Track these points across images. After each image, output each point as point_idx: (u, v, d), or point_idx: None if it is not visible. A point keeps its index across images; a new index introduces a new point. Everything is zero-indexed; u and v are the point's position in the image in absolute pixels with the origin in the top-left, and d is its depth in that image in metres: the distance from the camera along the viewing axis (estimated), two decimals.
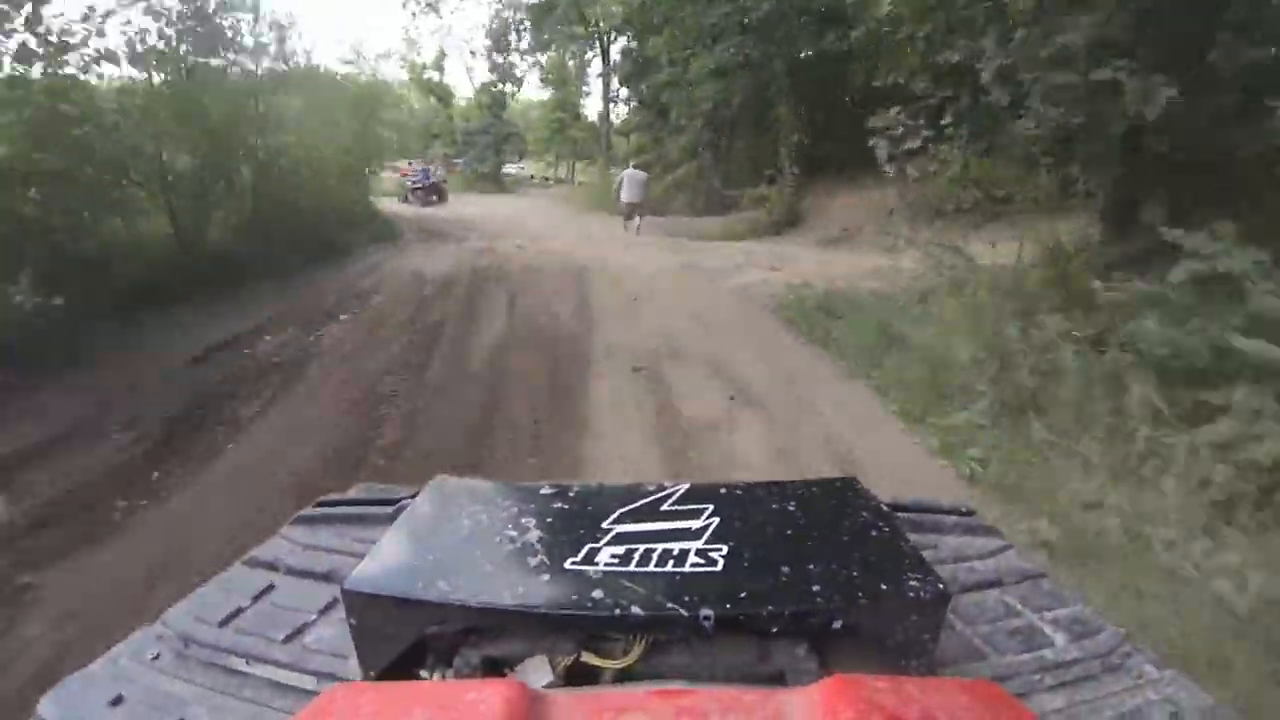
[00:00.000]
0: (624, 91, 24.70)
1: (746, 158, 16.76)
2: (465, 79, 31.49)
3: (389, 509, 0.98)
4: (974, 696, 0.53)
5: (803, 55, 14.37)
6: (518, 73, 31.34)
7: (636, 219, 14.25)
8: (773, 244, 12.94)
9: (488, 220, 17.04)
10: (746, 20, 14.42)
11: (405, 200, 20.58)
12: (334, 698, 0.54)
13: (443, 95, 33.12)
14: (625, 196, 14.23)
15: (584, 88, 31.72)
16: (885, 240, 9.21)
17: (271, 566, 0.92)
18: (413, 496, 0.92)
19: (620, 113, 26.79)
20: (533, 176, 36.01)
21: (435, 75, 32.48)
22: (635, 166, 15.18)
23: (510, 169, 34.89)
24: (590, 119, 31.07)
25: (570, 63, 30.48)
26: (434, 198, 21.53)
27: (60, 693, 0.71)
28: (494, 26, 30.31)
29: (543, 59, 30.58)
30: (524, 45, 30.20)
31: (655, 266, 10.22)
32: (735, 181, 16.42)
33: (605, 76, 26.43)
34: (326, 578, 0.88)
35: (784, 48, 14.15)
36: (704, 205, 16.93)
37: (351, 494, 1.15)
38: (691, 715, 0.49)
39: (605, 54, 26.26)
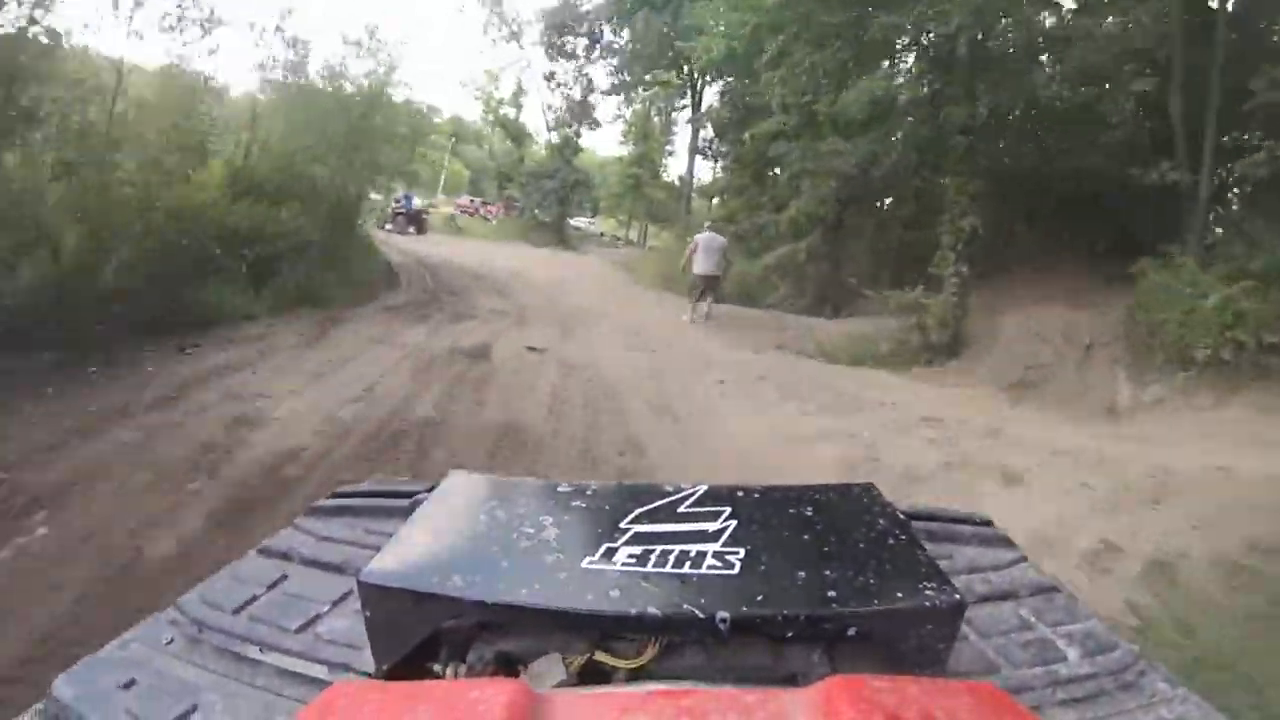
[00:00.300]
0: (714, 145, 21.12)
1: (883, 244, 11.98)
2: (543, 119, 27.71)
3: (404, 502, 0.97)
4: (975, 698, 0.52)
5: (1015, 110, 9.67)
6: (596, 115, 28.21)
7: (707, 302, 10.85)
8: (937, 385, 8.14)
9: (521, 283, 13.66)
10: (928, 38, 9.68)
11: (383, 227, 18.64)
12: (337, 696, 0.53)
13: (517, 135, 30.45)
14: (698, 268, 10.57)
15: (668, 145, 27.93)
16: (1091, 394, 7.23)
17: (285, 556, 0.92)
18: (428, 490, 0.92)
19: (708, 171, 22.95)
20: (602, 234, 32.68)
21: (512, 112, 29.92)
22: (712, 229, 11.16)
23: (579, 222, 31.38)
24: (672, 179, 27.57)
25: (655, 118, 26.67)
26: (411, 228, 20.94)
27: (74, 675, 0.72)
28: (571, 70, 27.27)
29: (625, 110, 27.23)
30: (605, 86, 27.11)
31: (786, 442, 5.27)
32: (866, 275, 11.52)
33: (694, 124, 22.42)
34: (340, 569, 0.88)
35: (999, 91, 9.39)
36: (812, 300, 12.30)
37: (366, 486, 1.15)
38: (693, 715, 0.49)
39: (696, 100, 22.27)
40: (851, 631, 0.65)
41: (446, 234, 23.90)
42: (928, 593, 0.67)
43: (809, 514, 0.82)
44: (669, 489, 0.83)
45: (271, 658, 0.75)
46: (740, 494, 0.84)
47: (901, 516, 0.84)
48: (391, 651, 0.68)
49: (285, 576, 0.88)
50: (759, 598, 0.65)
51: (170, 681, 0.71)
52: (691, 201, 22.52)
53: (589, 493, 0.84)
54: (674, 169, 27.59)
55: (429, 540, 0.76)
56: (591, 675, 0.65)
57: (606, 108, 27.81)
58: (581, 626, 0.65)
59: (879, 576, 0.70)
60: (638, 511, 0.78)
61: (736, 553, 0.71)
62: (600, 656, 0.65)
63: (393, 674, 0.68)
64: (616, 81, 26.46)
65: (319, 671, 0.73)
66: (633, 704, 0.50)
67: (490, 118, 29.77)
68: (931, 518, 1.03)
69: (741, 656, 0.66)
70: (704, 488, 0.83)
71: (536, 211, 27.10)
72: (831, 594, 0.66)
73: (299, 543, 0.95)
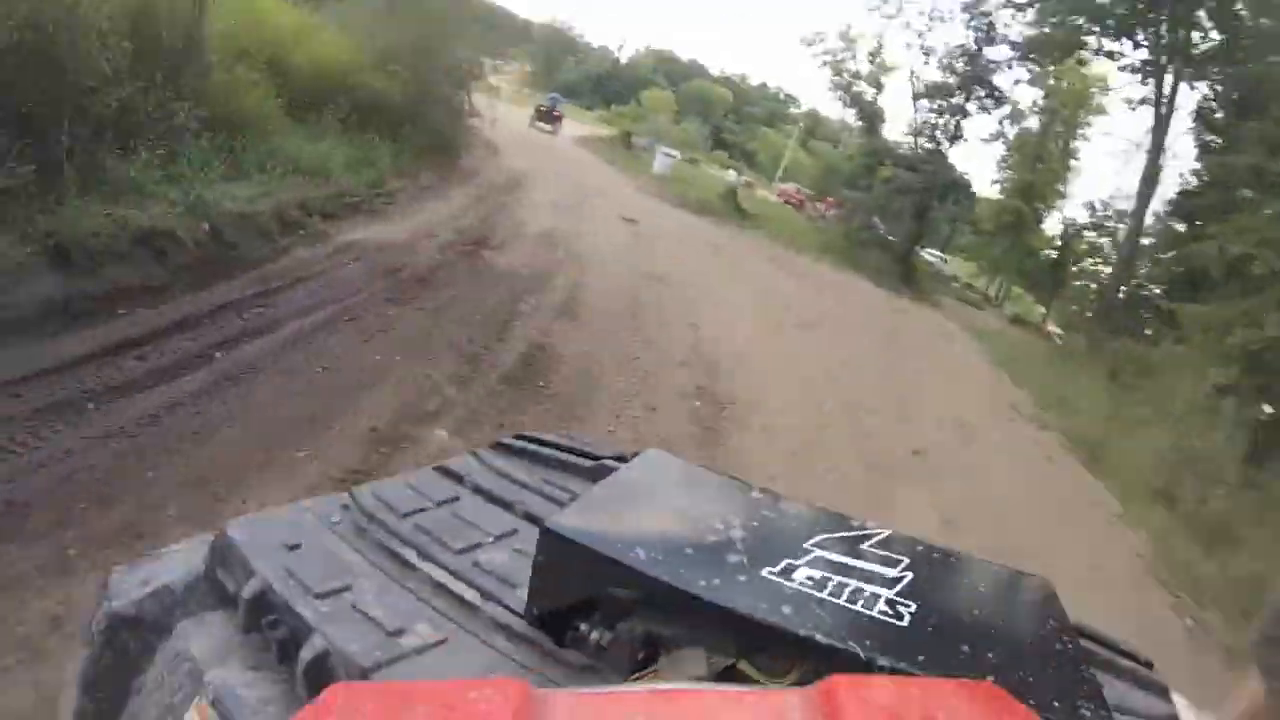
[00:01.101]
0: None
1: None
2: (910, 89, 22.34)
3: (589, 462, 1.03)
4: (976, 697, 0.51)
5: None
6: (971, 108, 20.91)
7: None
8: None
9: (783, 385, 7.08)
10: None
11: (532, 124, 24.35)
12: (334, 696, 0.51)
13: (869, 115, 23.63)
14: None
15: (1064, 178, 20.17)
16: None
17: (460, 480, 0.96)
18: (615, 457, 1.00)
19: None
20: (956, 279, 25.07)
21: (868, 92, 23.30)
22: None
23: (932, 256, 24.55)
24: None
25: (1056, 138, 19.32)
26: (546, 126, 25.50)
27: (248, 522, 0.80)
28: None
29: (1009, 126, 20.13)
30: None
31: None
32: None
33: (1155, 138, 15.01)
34: (511, 507, 0.91)
35: None
36: None
37: (553, 436, 1.17)
38: (693, 715, 0.47)
39: (1161, 100, 14.93)
40: None
41: (718, 218, 18.30)
42: (1083, 714, 0.63)
43: (983, 591, 0.81)
44: (855, 523, 0.84)
45: (428, 567, 0.78)
46: (920, 548, 0.83)
47: (1073, 627, 0.79)
48: (550, 600, 0.70)
49: (457, 498, 0.92)
50: (920, 658, 0.64)
51: (331, 556, 0.77)
52: (1135, 257, 15.01)
53: (780, 504, 0.85)
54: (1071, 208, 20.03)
55: (620, 506, 0.78)
56: (730, 680, 0.64)
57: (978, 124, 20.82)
58: (741, 631, 0.65)
59: (1038, 679, 0.66)
60: (822, 536, 0.78)
61: (909, 606, 0.69)
62: (744, 666, 0.65)
63: (541, 622, 0.71)
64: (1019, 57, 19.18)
65: (470, 595, 0.75)
66: (633, 704, 0.49)
67: (839, 93, 23.70)
68: (1095, 638, 1.00)
69: None
70: (889, 532, 0.83)
71: (876, 221, 20.87)
72: (990, 679, 0.62)
73: (475, 471, 0.99)
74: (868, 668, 0.61)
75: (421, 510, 0.87)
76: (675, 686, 0.56)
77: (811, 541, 0.76)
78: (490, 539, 0.84)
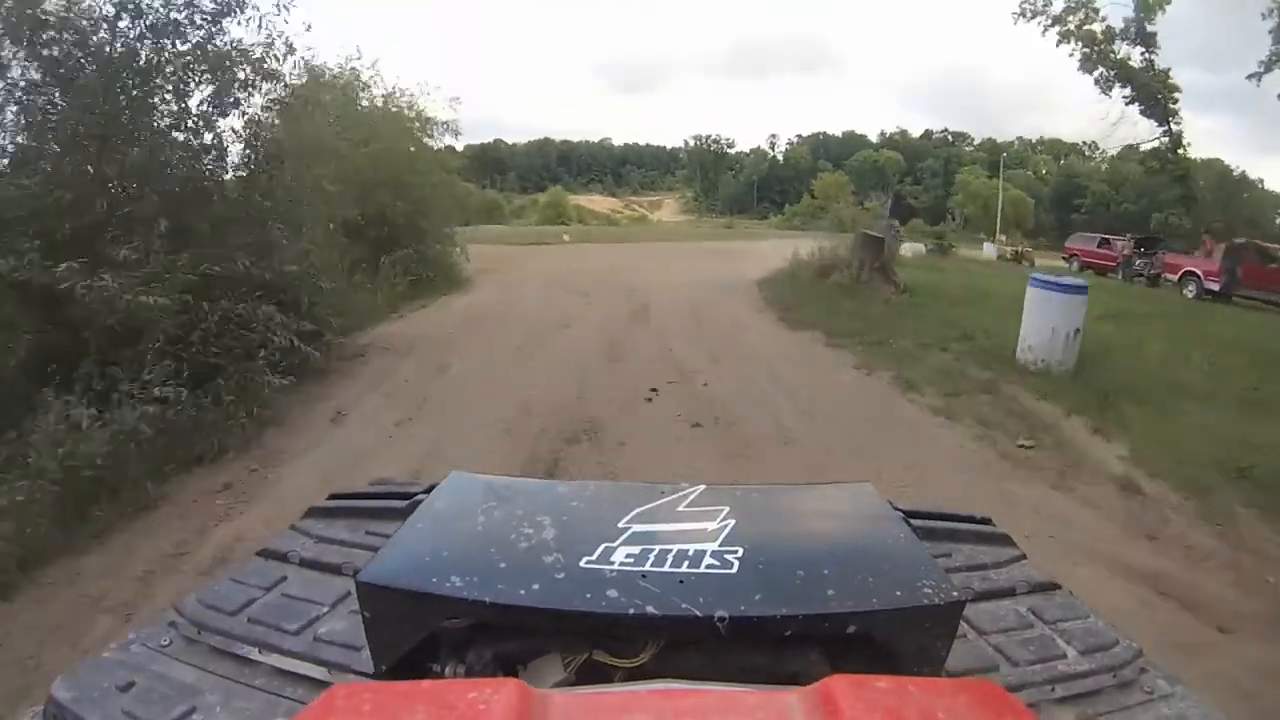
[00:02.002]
0: None
1: None
2: None
3: (403, 503, 0.97)
4: (974, 696, 0.52)
5: None
6: None
7: None
8: None
9: None
10: None
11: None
12: (335, 697, 0.53)
13: (1144, 88, 19.46)
14: None
15: None
16: None
17: (284, 558, 0.94)
18: (427, 491, 0.92)
19: None
20: None
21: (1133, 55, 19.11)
22: None
23: None
24: None
25: None
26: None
27: (73, 677, 0.73)
28: None
29: None
30: None
31: None
32: None
33: None
34: (339, 570, 0.89)
35: None
36: None
37: (364, 488, 1.20)
38: (693, 715, 0.48)
39: None
40: (850, 630, 0.65)
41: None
42: (926, 591, 0.67)
43: (807, 513, 0.84)
44: (667, 488, 0.84)
45: (271, 658, 0.76)
46: (739, 493, 0.84)
47: (900, 515, 0.85)
48: (390, 652, 0.68)
49: (284, 578, 0.89)
50: (757, 597, 0.65)
51: (169, 683, 0.73)
52: None
53: (588, 492, 0.86)
54: None
55: (427, 540, 0.76)
56: (590, 675, 0.65)
57: None
58: (579, 626, 0.65)
59: (877, 575, 0.69)
60: (636, 511, 0.78)
61: (735, 552, 0.70)
62: (599, 656, 0.66)
63: (392, 674, 0.68)
64: None
65: (318, 672, 0.75)
66: (633, 703, 0.50)
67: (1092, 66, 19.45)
68: (930, 516, 1.03)
69: (741, 656, 0.66)
70: (702, 487, 0.84)
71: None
72: (830, 593, 0.66)
73: (299, 544, 0.97)
74: (709, 623, 0.62)
75: (251, 601, 0.84)
76: (675, 686, 0.55)
77: (625, 520, 0.76)
78: (326, 609, 0.83)
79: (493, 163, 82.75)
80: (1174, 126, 21.49)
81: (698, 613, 0.62)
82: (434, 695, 0.51)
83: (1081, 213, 57.39)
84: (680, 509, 0.79)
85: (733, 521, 0.76)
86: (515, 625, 0.67)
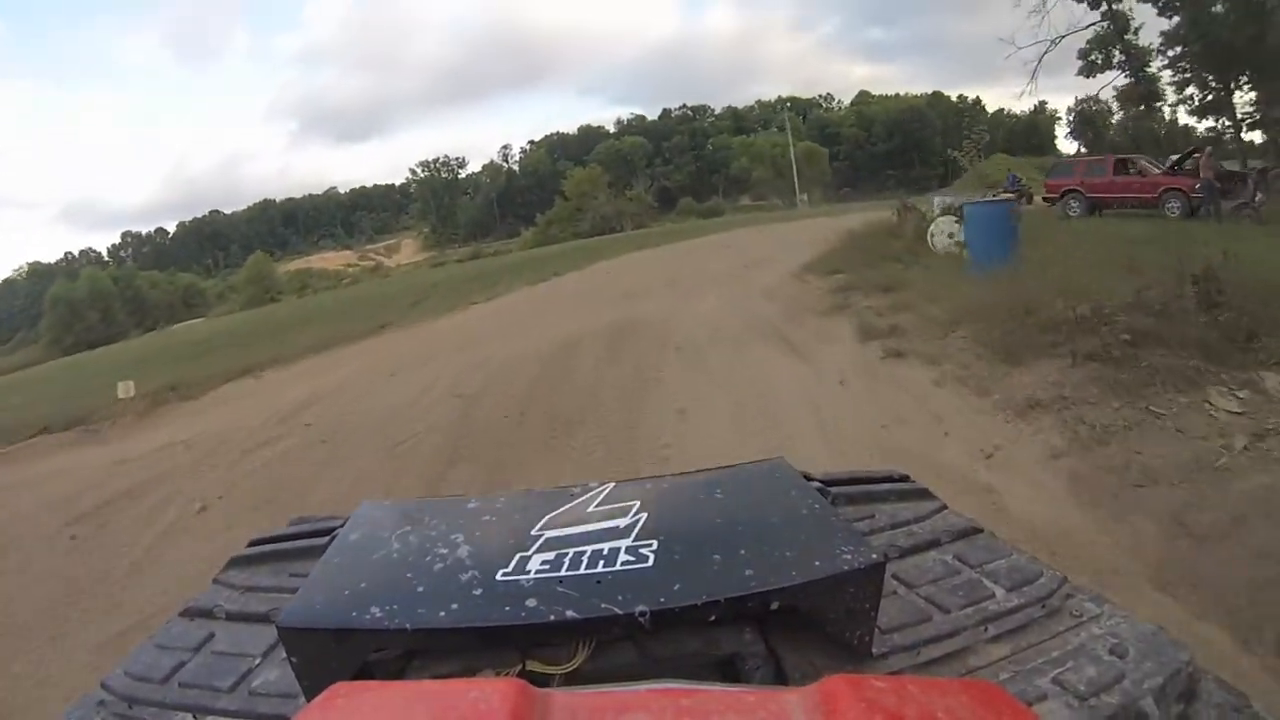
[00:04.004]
0: None
1: None
2: None
3: (324, 540, 0.91)
4: (974, 697, 0.52)
5: None
6: None
7: None
8: None
9: None
10: None
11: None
12: (334, 696, 0.53)
13: None
14: None
15: None
16: None
17: (209, 615, 0.90)
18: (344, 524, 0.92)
19: None
20: None
21: None
22: None
23: None
24: None
25: None
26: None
27: None
28: None
29: None
30: None
31: None
32: None
33: None
34: (266, 619, 0.85)
35: None
36: None
37: (284, 529, 1.14)
38: (693, 715, 0.49)
39: None
40: (775, 606, 0.65)
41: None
42: (846, 556, 0.68)
43: (719, 496, 0.82)
44: (576, 490, 0.85)
45: None
46: (649, 486, 0.85)
47: (814, 485, 0.86)
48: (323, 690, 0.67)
49: (212, 635, 0.86)
50: (676, 587, 0.65)
51: None
52: None
53: (498, 504, 0.85)
54: None
55: (344, 574, 0.74)
56: (529, 683, 0.63)
57: None
58: (505, 640, 0.65)
59: (795, 548, 0.70)
60: (547, 517, 0.78)
61: (649, 545, 0.71)
62: (533, 666, 0.65)
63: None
64: None
65: None
66: (632, 703, 0.50)
67: None
68: (847, 481, 1.04)
69: (672, 646, 0.67)
70: (611, 485, 0.84)
71: None
72: (749, 573, 0.67)
73: (223, 598, 0.93)
74: (631, 619, 0.62)
75: (180, 665, 0.80)
76: (675, 686, 0.54)
77: (538, 527, 0.76)
78: (258, 659, 0.80)
79: (211, 238, 76.98)
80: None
81: (618, 611, 0.63)
82: (434, 694, 0.51)
83: (839, 159, 56.49)
84: (591, 509, 0.79)
85: (645, 515, 0.76)
86: (443, 648, 0.67)
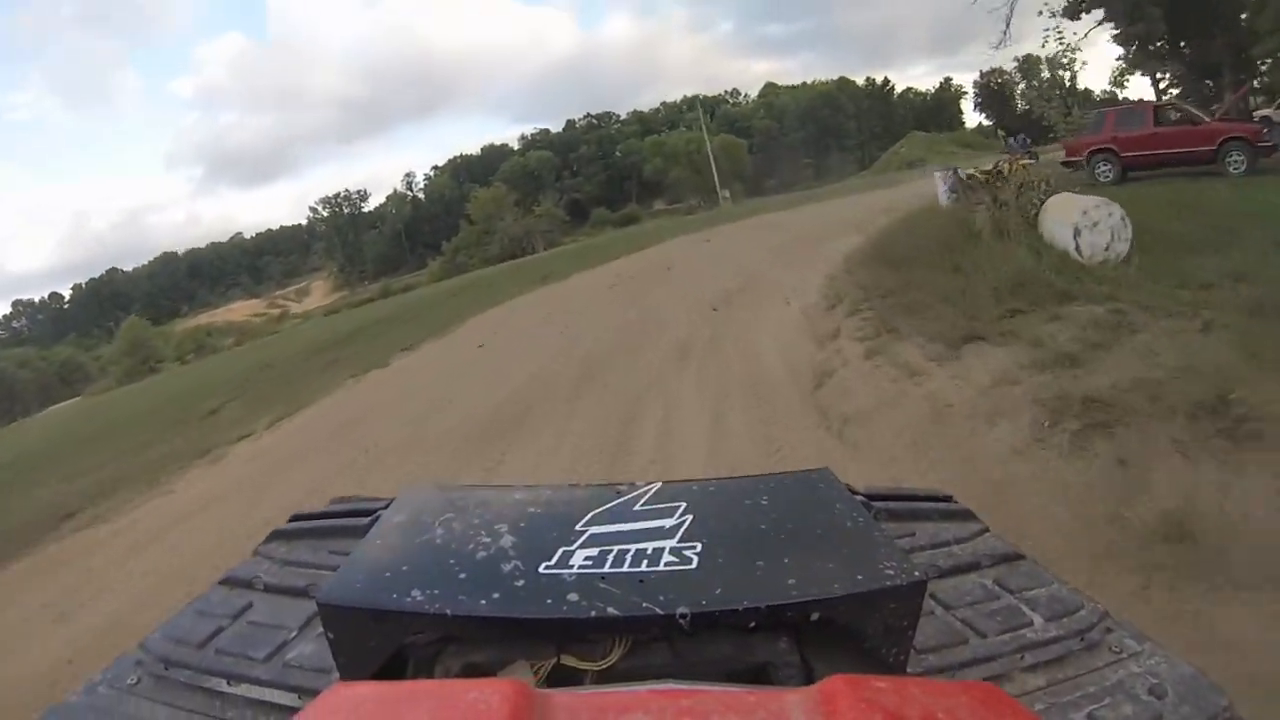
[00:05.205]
0: None
1: None
2: None
3: (364, 520, 0.95)
4: (975, 697, 0.52)
5: None
6: None
7: None
8: None
9: None
10: None
11: None
12: (335, 696, 0.53)
13: None
14: None
15: None
16: None
17: (249, 585, 0.92)
18: (387, 506, 0.91)
19: None
20: None
21: None
22: None
23: None
24: None
25: None
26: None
27: None
28: None
29: None
30: None
31: None
32: None
33: None
34: (305, 593, 0.88)
35: None
36: None
37: (326, 507, 1.15)
38: (693, 715, 0.49)
39: None
40: (815, 617, 0.65)
41: None
42: (888, 573, 0.67)
43: (765, 503, 0.81)
44: (623, 488, 0.83)
45: (240, 689, 0.75)
46: (695, 488, 0.83)
47: (859, 498, 0.85)
48: (358, 671, 0.67)
49: (250, 605, 0.87)
50: (718, 591, 0.65)
51: None
52: None
53: (543, 497, 0.84)
54: None
55: (387, 556, 0.74)
56: (560, 679, 0.64)
57: None
58: (543, 632, 0.65)
59: (838, 561, 0.69)
60: (593, 513, 0.77)
61: (694, 547, 0.70)
62: (567, 660, 0.65)
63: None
64: None
65: (288, 699, 0.73)
66: (633, 703, 0.50)
67: None
68: (891, 497, 1.03)
69: (707, 650, 0.66)
70: (658, 485, 0.83)
71: None
72: (791, 582, 0.66)
73: (262, 570, 0.95)
74: (672, 620, 0.62)
75: (218, 632, 0.83)
76: (675, 686, 0.54)
77: (583, 522, 0.76)
78: (294, 633, 0.82)
79: (111, 299, 71.13)
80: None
81: (659, 611, 0.62)
82: (435, 694, 0.51)
83: (754, 152, 54.88)
84: (637, 508, 0.78)
85: (690, 517, 0.75)
86: (480, 636, 0.67)
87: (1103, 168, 12.54)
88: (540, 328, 12.10)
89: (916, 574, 0.66)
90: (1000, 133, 52.02)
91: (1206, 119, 12.27)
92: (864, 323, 6.96)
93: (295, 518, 1.07)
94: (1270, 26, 14.47)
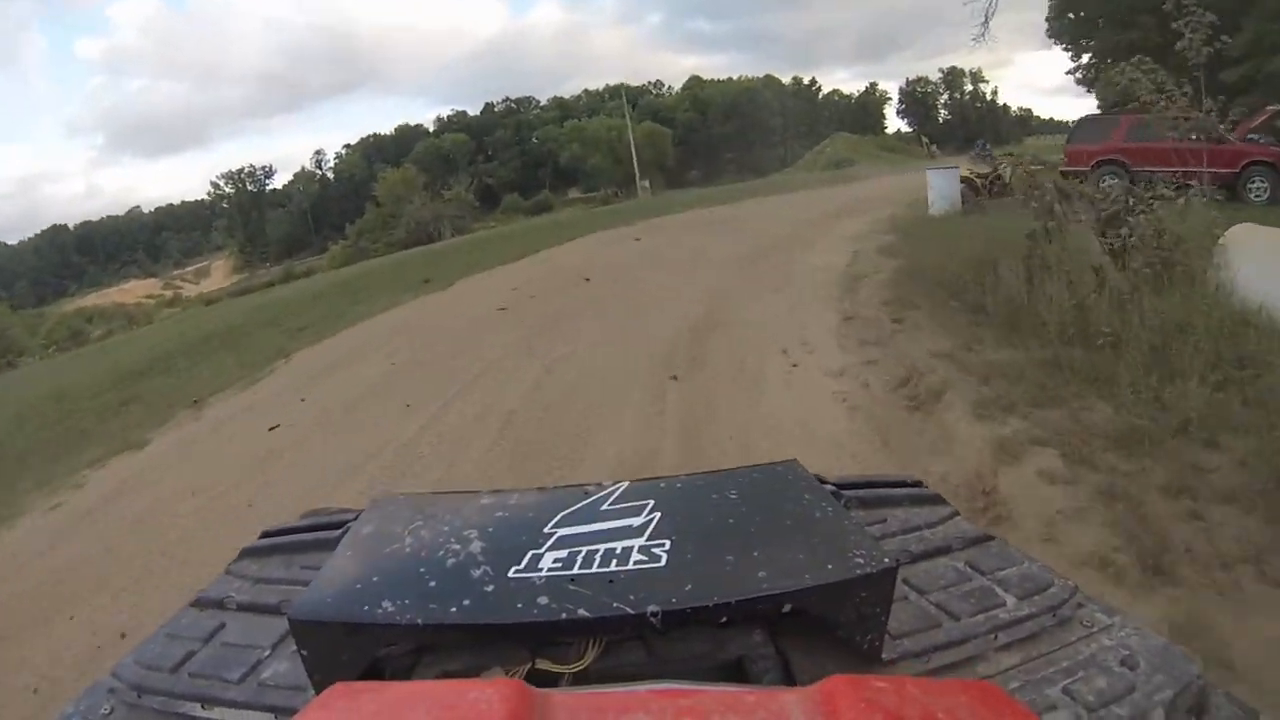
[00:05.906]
0: None
1: None
2: None
3: (335, 533, 0.94)
4: (974, 697, 0.52)
5: None
6: None
7: None
8: None
9: None
10: None
11: None
12: (334, 696, 0.52)
13: None
14: None
15: None
16: None
17: (220, 605, 0.90)
18: (357, 518, 0.90)
19: None
20: None
21: None
22: None
23: None
24: None
25: None
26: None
27: None
28: None
29: None
30: None
31: None
32: None
33: None
34: (277, 610, 0.85)
35: None
36: None
37: (296, 522, 1.12)
38: (693, 715, 0.48)
39: None
40: (787, 609, 0.65)
41: None
42: (858, 561, 0.67)
43: (733, 497, 0.81)
44: (590, 488, 0.83)
45: (215, 713, 0.73)
46: (663, 485, 0.83)
47: (828, 488, 0.86)
48: (333, 683, 0.64)
49: (223, 625, 0.85)
50: (688, 588, 0.64)
51: None
52: None
53: (511, 501, 0.84)
54: None
55: (356, 568, 0.73)
56: (537, 684, 0.60)
57: None
58: (515, 637, 0.64)
59: (808, 551, 0.70)
60: (561, 515, 0.77)
61: (663, 545, 0.70)
62: (542, 664, 0.65)
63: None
64: None
65: (265, 719, 0.71)
66: (633, 703, 0.49)
67: None
68: (861, 485, 1.02)
69: (682, 647, 0.67)
70: (625, 484, 0.83)
71: None
72: (761, 575, 0.66)
73: (234, 589, 0.92)
74: (643, 619, 0.62)
75: (190, 655, 0.80)
76: (675, 687, 0.54)
77: (551, 524, 0.75)
78: (267, 651, 0.79)
79: None
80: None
81: (630, 610, 0.62)
82: (434, 695, 0.51)
83: (675, 144, 54.00)
84: (604, 508, 0.79)
85: (658, 515, 0.76)
86: (453, 643, 0.66)
87: (1109, 180, 10.92)
88: (353, 414, 6.28)
89: (887, 561, 0.67)
90: (924, 139, 52.60)
91: (1232, 139, 11.29)
92: (979, 420, 3.87)
93: (266, 534, 1.05)
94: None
